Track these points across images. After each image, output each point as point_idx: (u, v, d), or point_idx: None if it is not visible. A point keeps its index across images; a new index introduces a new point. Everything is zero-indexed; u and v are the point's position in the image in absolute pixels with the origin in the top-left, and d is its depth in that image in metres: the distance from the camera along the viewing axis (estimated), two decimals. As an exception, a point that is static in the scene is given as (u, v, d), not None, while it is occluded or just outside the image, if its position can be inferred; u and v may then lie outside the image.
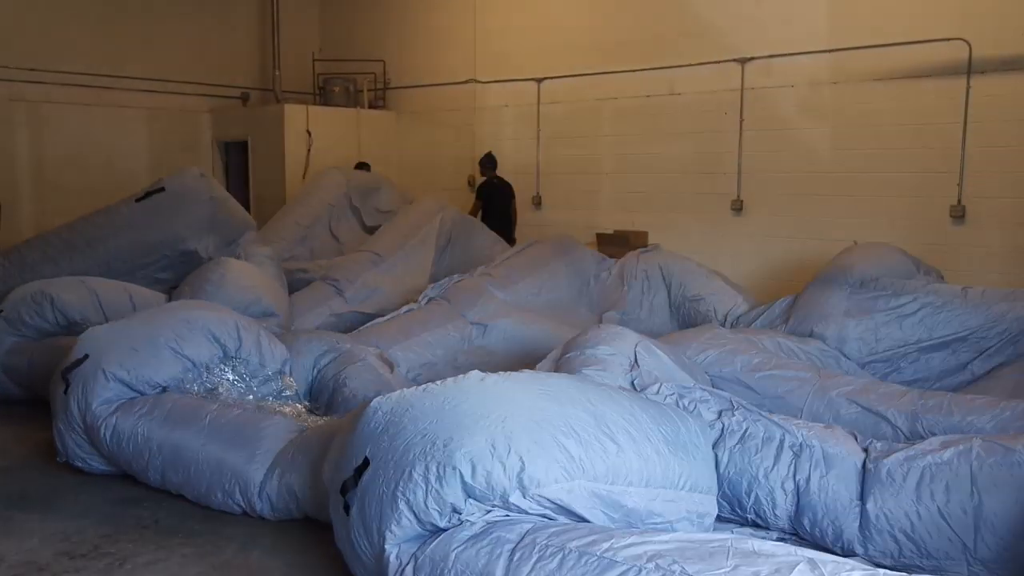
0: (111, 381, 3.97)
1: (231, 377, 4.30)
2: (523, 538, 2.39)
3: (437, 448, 2.56)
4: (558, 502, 2.55)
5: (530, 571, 2.27)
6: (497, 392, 2.79)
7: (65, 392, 4.01)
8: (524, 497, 2.52)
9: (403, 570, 2.54)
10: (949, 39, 6.99)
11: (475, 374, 2.93)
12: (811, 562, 2.05)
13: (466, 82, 10.58)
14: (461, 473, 2.50)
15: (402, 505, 2.56)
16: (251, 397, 4.32)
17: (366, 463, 2.72)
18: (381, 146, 10.95)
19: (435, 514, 2.54)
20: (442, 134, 10.90)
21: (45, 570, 3.04)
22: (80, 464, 4.03)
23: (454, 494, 2.51)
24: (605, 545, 2.26)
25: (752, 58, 8.22)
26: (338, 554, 3.00)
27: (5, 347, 5.36)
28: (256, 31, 11.27)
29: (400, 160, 11.12)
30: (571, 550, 2.27)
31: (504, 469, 2.50)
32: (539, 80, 9.94)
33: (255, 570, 3.08)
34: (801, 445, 3.30)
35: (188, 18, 10.41)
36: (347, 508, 2.75)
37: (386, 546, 2.59)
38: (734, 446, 3.35)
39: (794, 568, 2.02)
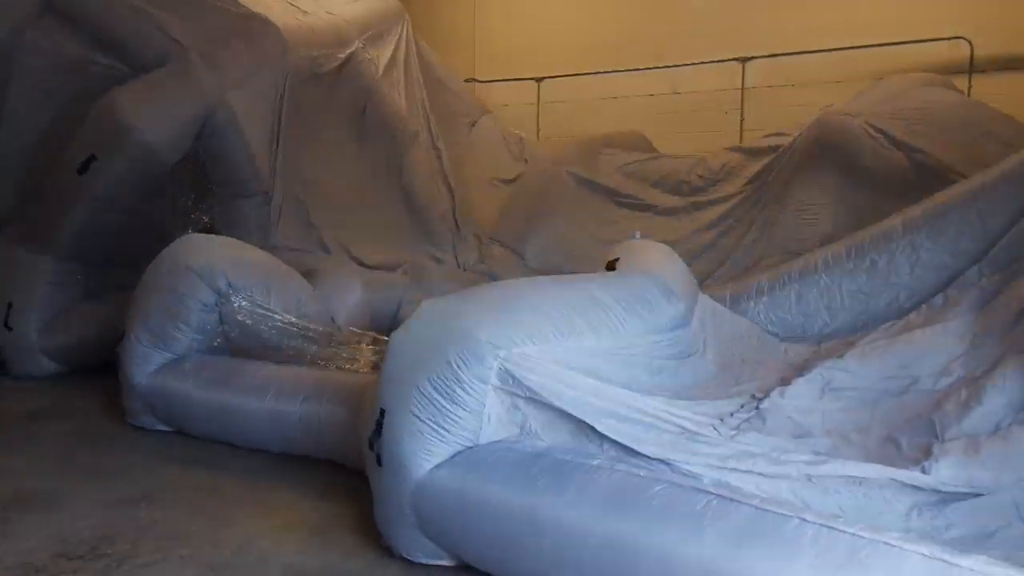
0: (145, 349, 4.41)
1: (243, 315, 4.43)
2: (573, 458, 2.55)
3: (437, 357, 2.74)
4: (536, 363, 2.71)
5: (579, 478, 2.41)
6: (483, 297, 3.04)
7: (120, 367, 4.55)
8: (513, 368, 2.70)
9: (441, 493, 2.65)
10: (951, 38, 6.98)
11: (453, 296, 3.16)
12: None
13: (466, 81, 10.57)
14: (459, 367, 2.69)
15: (421, 424, 2.71)
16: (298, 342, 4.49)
17: (383, 413, 2.85)
18: (381, 146, 10.92)
19: (458, 418, 2.69)
20: (442, 134, 10.89)
21: (42, 571, 3.01)
22: (146, 425, 4.56)
23: (466, 390, 2.69)
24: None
25: (753, 57, 8.21)
26: (338, 556, 2.96)
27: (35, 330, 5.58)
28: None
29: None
30: (617, 471, 2.43)
31: (491, 349, 2.71)
32: (539, 79, 9.93)
33: (253, 572, 3.05)
34: None
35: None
36: (379, 459, 2.86)
37: (417, 473, 2.69)
38: None
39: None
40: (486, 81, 10.40)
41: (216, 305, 4.43)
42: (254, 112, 6.06)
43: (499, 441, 2.76)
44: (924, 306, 3.99)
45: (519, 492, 2.49)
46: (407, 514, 2.79)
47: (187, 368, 4.37)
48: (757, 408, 3.27)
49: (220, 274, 4.44)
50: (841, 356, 3.59)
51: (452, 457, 2.72)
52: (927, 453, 2.80)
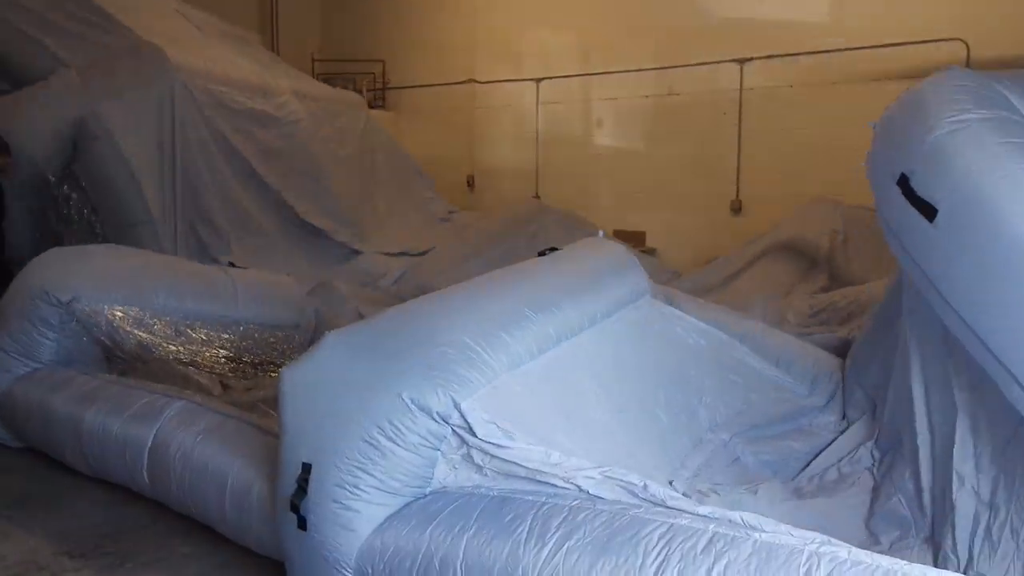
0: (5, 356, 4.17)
1: (54, 336, 4.16)
2: (549, 499, 2.28)
3: (378, 395, 2.39)
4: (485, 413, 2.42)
5: (560, 523, 2.15)
6: (422, 314, 2.73)
7: None
8: (462, 415, 2.40)
9: (394, 557, 2.29)
10: (947, 40, 6.99)
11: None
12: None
13: (465, 82, 10.58)
14: (412, 408, 2.35)
15: (365, 476, 2.35)
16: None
17: (307, 468, 2.46)
18: (380, 146, 10.94)
19: (411, 466, 2.36)
20: (442, 134, 10.90)
21: (45, 569, 3.02)
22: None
23: (419, 432, 2.36)
24: (634, 511, 2.19)
25: (751, 58, 8.23)
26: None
27: None
28: (256, 30, 11.26)
29: (399, 160, 11.11)
30: (601, 510, 2.18)
31: (438, 392, 2.39)
32: (538, 80, 9.94)
33: (255, 570, 3.06)
34: None
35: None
36: (303, 522, 2.45)
37: (364, 533, 2.35)
38: None
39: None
40: (486, 82, 10.42)
41: (62, 318, 4.15)
42: (133, 126, 6.07)
43: (450, 489, 2.43)
44: (816, 477, 3.74)
45: (496, 544, 2.17)
46: None
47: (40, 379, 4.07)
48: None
49: (64, 287, 4.15)
50: (755, 492, 3.36)
51: (401, 510, 2.40)
52: None
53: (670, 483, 3.25)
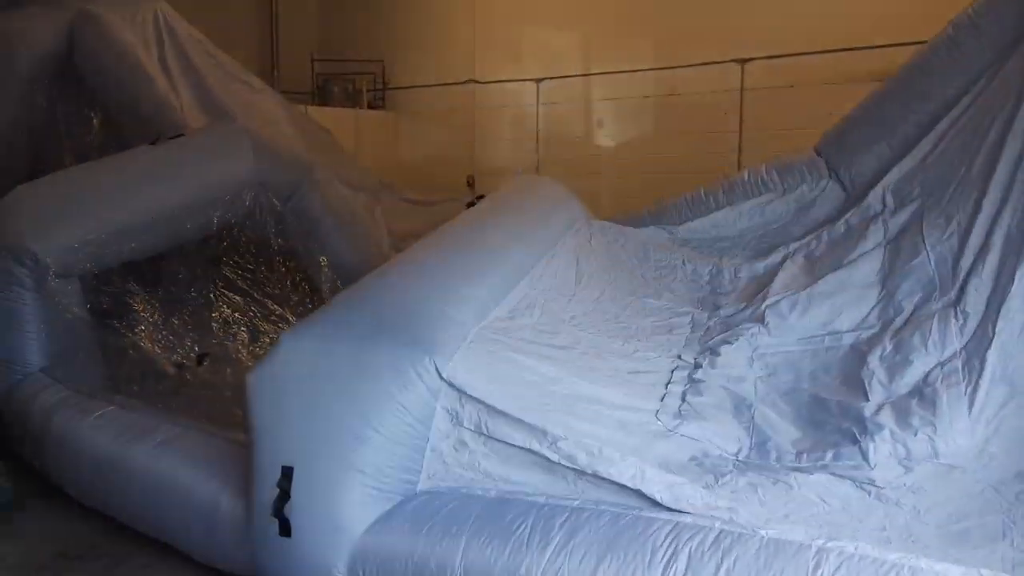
0: None
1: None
2: (550, 499, 2.27)
3: (355, 384, 2.33)
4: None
5: (563, 521, 2.13)
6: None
7: None
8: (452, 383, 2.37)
9: (388, 559, 2.23)
10: (948, 40, 6.99)
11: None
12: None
13: (465, 82, 10.57)
14: (393, 390, 2.30)
15: (354, 473, 2.28)
16: None
17: (288, 471, 2.35)
18: (380, 146, 10.94)
19: (400, 458, 2.32)
20: (441, 134, 10.89)
21: (45, 569, 3.02)
22: None
23: (405, 419, 2.31)
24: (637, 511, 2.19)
25: (751, 58, 8.22)
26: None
27: None
28: (255, 31, 11.25)
29: (399, 160, 11.11)
30: (604, 511, 2.17)
31: (421, 362, 2.35)
32: (538, 80, 9.94)
33: (252, 572, 3.05)
34: None
35: (185, 18, 10.36)
36: (286, 528, 2.35)
37: (354, 535, 2.28)
38: None
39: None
40: (486, 82, 10.42)
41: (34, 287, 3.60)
42: (119, 20, 6.38)
43: (443, 490, 2.35)
44: (825, 233, 3.67)
45: (496, 544, 2.13)
46: None
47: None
48: (692, 380, 3.12)
49: (28, 244, 3.52)
50: (763, 319, 3.36)
51: (394, 510, 2.32)
52: (858, 420, 2.72)
53: (679, 356, 3.31)
